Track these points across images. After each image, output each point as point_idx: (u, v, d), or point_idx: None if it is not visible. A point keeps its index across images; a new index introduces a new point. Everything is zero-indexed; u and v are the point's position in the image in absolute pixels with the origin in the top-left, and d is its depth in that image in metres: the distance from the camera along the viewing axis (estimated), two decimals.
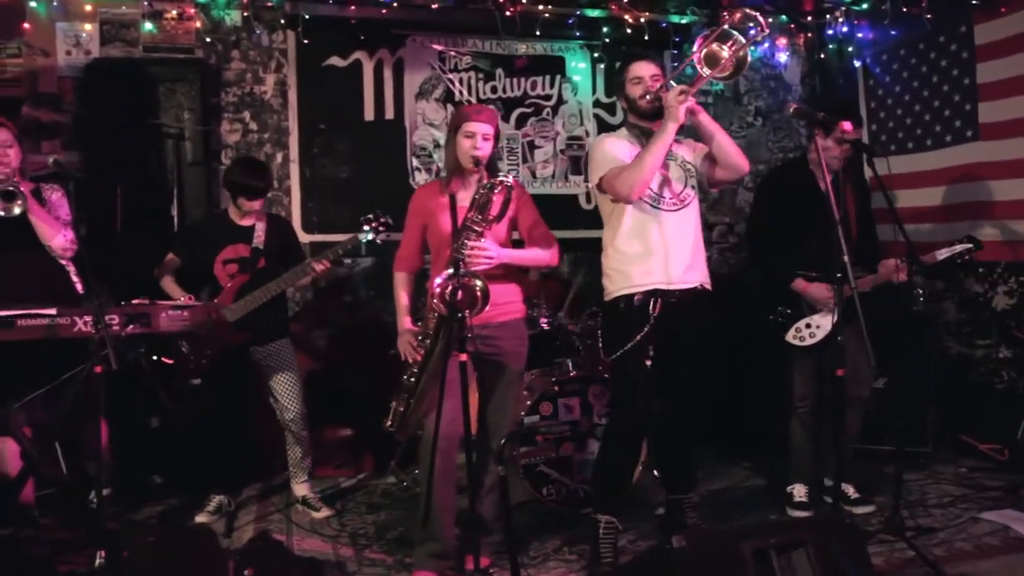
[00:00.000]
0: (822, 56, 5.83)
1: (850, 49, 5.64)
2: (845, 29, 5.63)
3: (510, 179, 3.04)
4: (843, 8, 5.59)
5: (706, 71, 3.19)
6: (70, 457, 3.90)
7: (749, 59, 3.22)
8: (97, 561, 3.04)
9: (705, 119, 3.28)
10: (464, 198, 3.15)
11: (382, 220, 3.95)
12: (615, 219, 3.38)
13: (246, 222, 4.00)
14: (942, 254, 3.75)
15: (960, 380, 4.84)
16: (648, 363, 3.24)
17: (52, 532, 3.65)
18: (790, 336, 3.84)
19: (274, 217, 4.22)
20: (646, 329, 3.23)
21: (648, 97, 3.28)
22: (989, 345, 4.81)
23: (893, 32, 5.30)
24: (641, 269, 3.29)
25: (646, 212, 3.30)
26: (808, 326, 3.80)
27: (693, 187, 3.40)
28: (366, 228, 3.93)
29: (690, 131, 3.42)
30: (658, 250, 3.28)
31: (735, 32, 3.16)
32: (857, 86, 5.66)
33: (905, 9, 5.06)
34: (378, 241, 3.96)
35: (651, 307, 3.25)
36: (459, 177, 3.26)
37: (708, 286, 3.40)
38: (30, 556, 3.32)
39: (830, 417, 3.61)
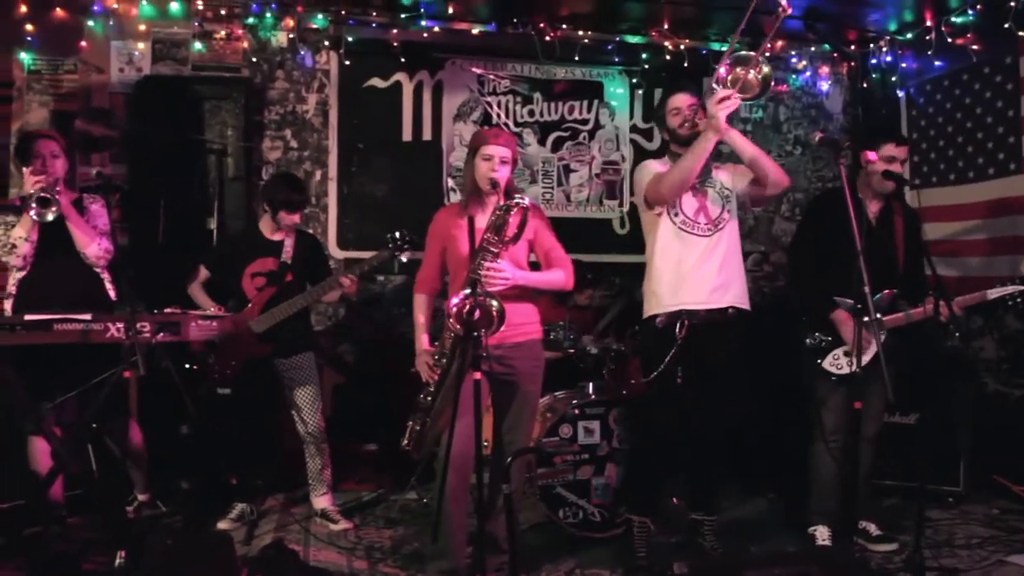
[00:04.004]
0: (865, 85, 5.77)
1: (894, 79, 5.58)
2: (889, 58, 5.58)
3: (526, 201, 3.10)
4: (887, 37, 5.53)
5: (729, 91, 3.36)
6: (103, 460, 4.03)
7: (773, 78, 3.37)
8: (117, 561, 3.13)
9: (737, 137, 3.45)
10: (482, 220, 3.20)
11: (407, 239, 4.02)
12: (651, 241, 3.59)
13: (276, 237, 4.10)
14: (993, 294, 3.64)
15: (996, 419, 4.70)
16: (678, 381, 3.39)
17: (80, 531, 3.77)
18: (827, 363, 3.77)
19: (303, 233, 4.31)
20: (673, 350, 3.39)
21: (687, 125, 3.50)
22: None
23: (938, 62, 5.21)
24: (667, 290, 3.48)
25: (680, 236, 3.50)
26: (847, 354, 3.72)
27: (730, 211, 3.57)
28: (390, 246, 4.01)
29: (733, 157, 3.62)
30: (686, 272, 3.46)
31: (752, 55, 3.30)
32: (900, 116, 5.59)
33: (951, 40, 4.99)
34: (403, 259, 4.04)
35: (677, 329, 3.41)
36: (477, 199, 3.31)
37: (743, 306, 3.54)
38: (56, 553, 3.46)
39: (854, 452, 3.55)
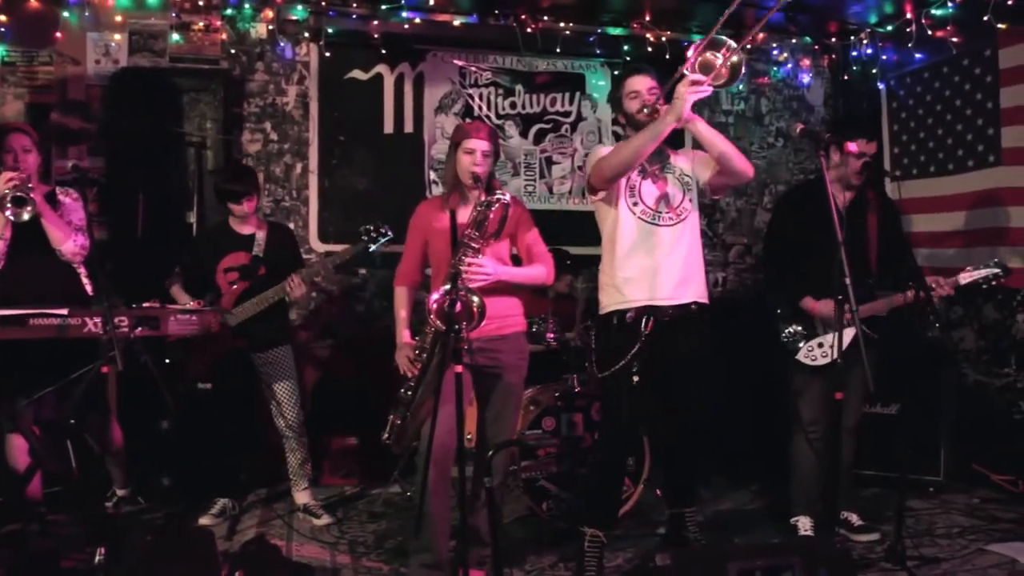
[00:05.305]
0: (846, 77, 5.79)
1: (874, 71, 5.59)
2: (870, 51, 5.59)
3: (507, 197, 3.08)
4: (868, 30, 5.55)
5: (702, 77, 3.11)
6: (82, 456, 3.99)
7: (744, 66, 3.09)
8: (97, 558, 3.10)
9: (703, 126, 3.21)
10: (464, 214, 3.18)
11: (381, 231, 4.02)
12: (610, 232, 3.37)
13: (247, 230, 4.06)
14: (966, 277, 3.63)
15: (976, 409, 4.74)
16: (635, 379, 3.23)
17: (59, 528, 3.73)
18: (802, 355, 3.79)
19: (276, 225, 4.29)
20: (637, 347, 3.23)
21: (645, 111, 3.23)
22: (1007, 374, 4.71)
23: (918, 55, 5.24)
24: (634, 285, 3.28)
25: (642, 227, 3.28)
26: (821, 345, 3.75)
27: (692, 200, 3.36)
28: (364, 239, 4.02)
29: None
30: (652, 265, 3.26)
31: (726, 39, 3.09)
32: (881, 108, 5.61)
33: (930, 32, 5.01)
34: (372, 249, 4.08)
35: (643, 325, 3.24)
36: (458, 193, 3.30)
37: (704, 301, 3.36)
38: (34, 550, 3.42)
39: (835, 442, 3.58)
